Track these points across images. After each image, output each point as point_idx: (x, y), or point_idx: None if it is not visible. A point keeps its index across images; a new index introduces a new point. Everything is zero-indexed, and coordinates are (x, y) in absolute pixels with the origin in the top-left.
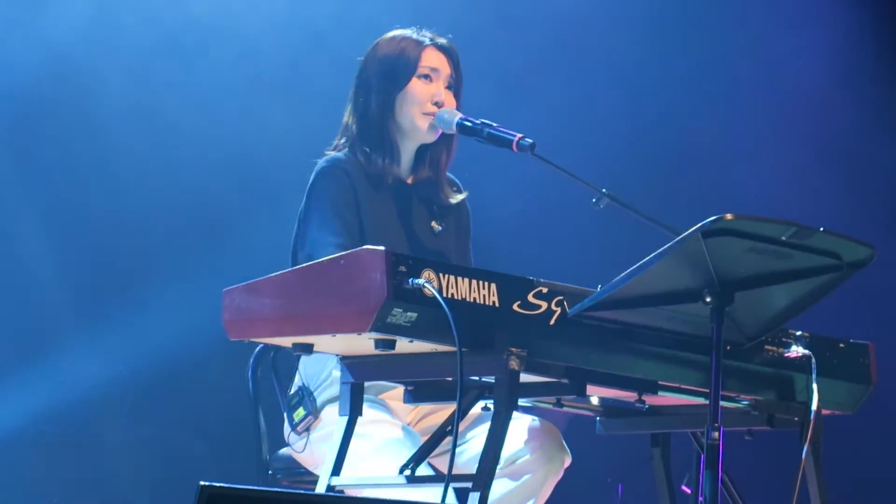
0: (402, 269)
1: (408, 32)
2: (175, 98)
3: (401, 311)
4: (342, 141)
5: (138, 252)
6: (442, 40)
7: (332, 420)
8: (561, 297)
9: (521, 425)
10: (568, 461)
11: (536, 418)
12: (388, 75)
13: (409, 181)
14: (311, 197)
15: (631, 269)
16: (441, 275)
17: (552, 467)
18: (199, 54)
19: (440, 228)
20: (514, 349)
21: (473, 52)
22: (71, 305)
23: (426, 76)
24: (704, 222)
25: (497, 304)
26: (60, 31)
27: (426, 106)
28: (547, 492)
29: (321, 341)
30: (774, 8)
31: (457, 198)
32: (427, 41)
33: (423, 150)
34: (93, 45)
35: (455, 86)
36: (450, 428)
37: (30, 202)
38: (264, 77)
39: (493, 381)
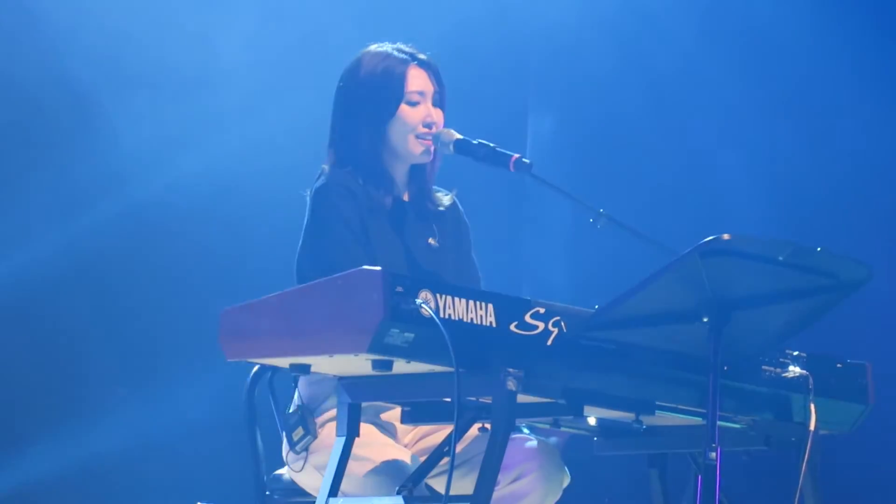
0: (400, 289)
1: (387, 49)
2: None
3: (398, 331)
4: (332, 162)
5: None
6: (423, 56)
7: (330, 440)
8: (558, 318)
9: (519, 445)
10: (567, 481)
11: (535, 438)
12: (375, 103)
13: (405, 198)
14: (316, 213)
15: (628, 289)
16: (438, 295)
17: (551, 487)
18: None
19: (437, 245)
20: (511, 370)
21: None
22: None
23: (415, 102)
24: (702, 242)
25: (494, 325)
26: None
27: (419, 129)
28: None
29: (318, 362)
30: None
31: (445, 201)
32: (409, 59)
33: (414, 168)
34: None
35: (440, 101)
36: (447, 448)
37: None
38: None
39: (491, 401)
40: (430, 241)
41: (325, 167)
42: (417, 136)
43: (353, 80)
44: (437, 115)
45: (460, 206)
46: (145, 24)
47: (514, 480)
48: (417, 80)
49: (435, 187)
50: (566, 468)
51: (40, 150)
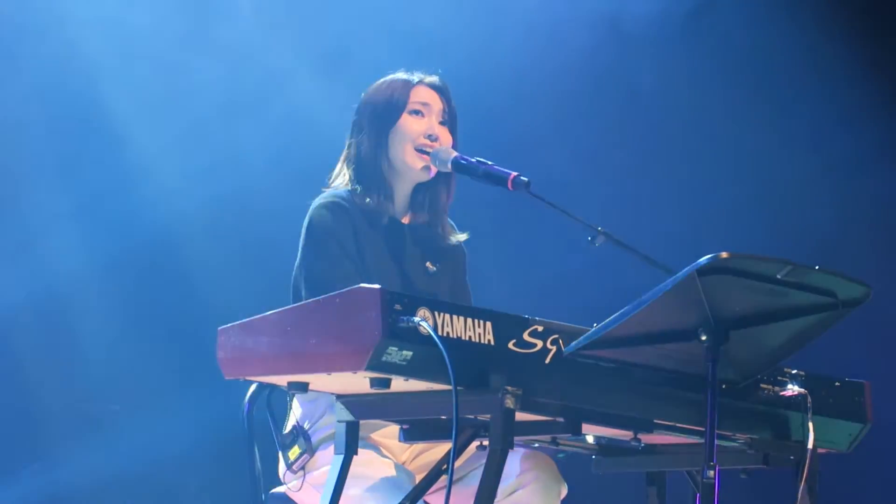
0: (398, 307)
1: (399, 73)
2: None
3: (396, 349)
4: (337, 180)
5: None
6: (432, 78)
7: (327, 459)
8: (556, 336)
9: (516, 457)
10: (564, 492)
11: (531, 450)
12: (379, 114)
13: (405, 220)
14: (311, 231)
15: (626, 307)
16: (436, 313)
17: (549, 498)
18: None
19: (434, 269)
20: (509, 388)
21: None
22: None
23: (417, 111)
24: (700, 261)
25: (492, 343)
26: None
27: (419, 141)
28: None
29: (316, 380)
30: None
31: (457, 238)
32: (416, 79)
33: (419, 191)
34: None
35: (449, 122)
36: (445, 466)
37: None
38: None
39: (489, 419)
40: (428, 264)
41: (327, 185)
42: (417, 149)
43: (364, 102)
44: (442, 132)
45: (465, 250)
46: (163, 43)
47: (512, 493)
48: (423, 94)
49: (451, 222)
50: (564, 479)
51: (42, 164)
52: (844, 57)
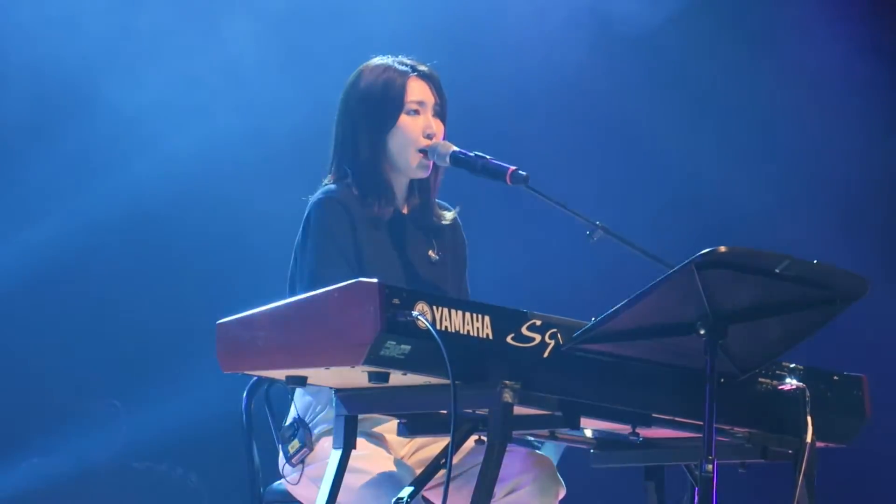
0: (396, 301)
1: (388, 62)
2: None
3: (394, 343)
4: (334, 177)
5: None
6: (423, 67)
7: (327, 452)
8: (554, 330)
9: (514, 457)
10: (562, 493)
11: (530, 450)
12: (374, 114)
13: (405, 210)
14: (308, 229)
15: (624, 301)
16: (434, 307)
17: (546, 499)
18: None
19: (437, 257)
20: (507, 382)
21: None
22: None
23: (415, 112)
24: (698, 255)
25: (491, 337)
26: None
27: (419, 141)
28: None
29: (315, 374)
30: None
31: (447, 217)
32: (409, 71)
33: (414, 180)
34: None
35: (441, 112)
36: (443, 461)
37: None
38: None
39: (487, 413)
40: (430, 253)
41: (326, 181)
42: (419, 150)
43: (354, 92)
44: (437, 126)
45: (465, 240)
46: (161, 33)
47: (510, 493)
48: (417, 91)
49: (439, 202)
50: (562, 480)
51: (34, 150)
52: (835, 55)
